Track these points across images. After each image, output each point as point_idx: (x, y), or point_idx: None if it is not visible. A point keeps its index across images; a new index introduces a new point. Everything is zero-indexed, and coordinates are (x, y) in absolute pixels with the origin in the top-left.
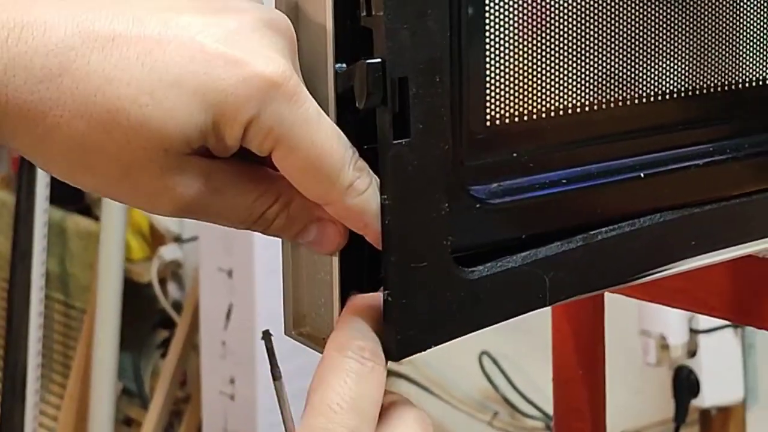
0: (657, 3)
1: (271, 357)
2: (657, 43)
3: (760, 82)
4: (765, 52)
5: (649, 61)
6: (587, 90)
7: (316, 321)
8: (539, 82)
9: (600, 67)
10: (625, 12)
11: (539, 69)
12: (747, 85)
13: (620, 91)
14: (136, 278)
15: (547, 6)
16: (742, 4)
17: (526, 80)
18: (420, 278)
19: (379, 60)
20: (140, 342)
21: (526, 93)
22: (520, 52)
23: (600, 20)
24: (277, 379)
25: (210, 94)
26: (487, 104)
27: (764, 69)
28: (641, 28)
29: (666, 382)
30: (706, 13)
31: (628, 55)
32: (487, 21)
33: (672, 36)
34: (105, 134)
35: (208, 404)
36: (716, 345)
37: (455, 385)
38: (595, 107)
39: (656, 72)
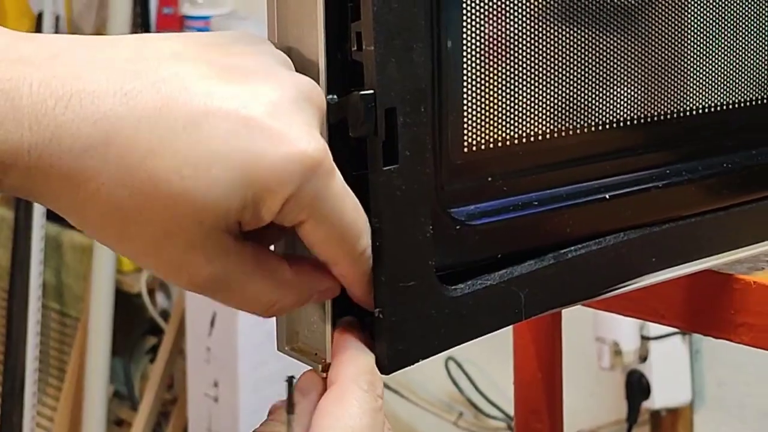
0: (619, 38)
1: (289, 396)
2: (621, 75)
3: (713, 109)
4: (717, 82)
5: (614, 91)
6: (557, 118)
7: (308, 337)
8: (512, 111)
9: (569, 97)
10: (590, 46)
11: (512, 99)
12: (701, 112)
13: (587, 119)
14: (126, 289)
15: (520, 41)
16: (694, 39)
17: (500, 109)
18: (408, 296)
19: (371, 91)
20: (130, 348)
21: (500, 121)
22: (495, 83)
23: (568, 54)
24: (290, 414)
25: (253, 170)
26: (465, 132)
27: (716, 97)
28: (607, 61)
29: (619, 385)
30: (663, 47)
31: (595, 86)
32: (465, 54)
33: (634, 68)
34: (145, 203)
35: (194, 406)
36: (666, 351)
37: (423, 389)
38: (564, 134)
39: (620, 101)
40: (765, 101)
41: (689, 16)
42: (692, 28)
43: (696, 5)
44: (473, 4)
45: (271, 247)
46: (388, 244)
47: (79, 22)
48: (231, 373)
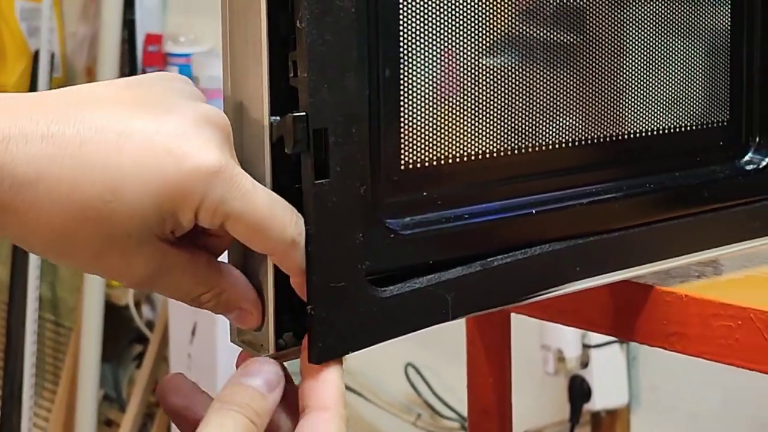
0: (548, 70)
1: None
2: (548, 103)
3: (637, 135)
4: (641, 111)
5: (542, 117)
6: (488, 140)
7: (254, 332)
8: (446, 133)
9: (499, 122)
10: (520, 76)
11: (446, 123)
12: (624, 137)
13: (516, 142)
14: (115, 301)
15: (454, 71)
16: (621, 71)
17: (435, 132)
18: (338, 296)
19: (303, 113)
20: (119, 355)
21: (435, 143)
22: (430, 109)
23: (498, 84)
24: None
25: (162, 188)
26: (402, 152)
27: (640, 125)
28: (535, 90)
29: (562, 389)
30: (589, 79)
31: (523, 112)
32: (401, 82)
33: (561, 97)
34: (78, 227)
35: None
36: (605, 357)
37: (385, 391)
38: (494, 155)
39: (548, 126)
40: (686, 129)
41: (618, 50)
42: (619, 61)
43: (625, 41)
44: (410, 38)
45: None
46: (319, 248)
47: (72, 59)
48: (210, 378)
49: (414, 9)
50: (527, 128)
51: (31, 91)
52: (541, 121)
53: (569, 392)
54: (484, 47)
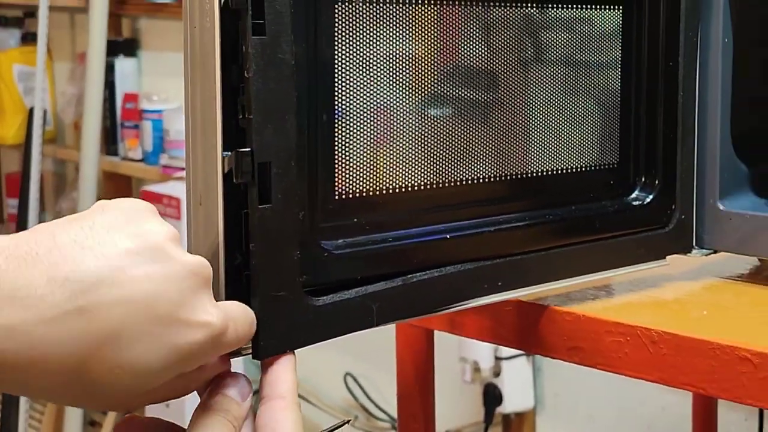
0: (466, 120)
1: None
2: (463, 145)
3: (537, 174)
4: (542, 155)
5: (457, 157)
6: (410, 176)
7: None
8: (374, 169)
9: (420, 161)
10: (441, 123)
11: (375, 160)
12: (529, 175)
13: (434, 177)
14: None
15: (382, 116)
16: (528, 120)
17: (364, 168)
18: (277, 304)
19: (249, 149)
20: None
21: (364, 177)
22: (361, 148)
23: (421, 128)
24: None
25: (174, 356)
26: (335, 185)
27: (540, 165)
28: (453, 134)
29: (478, 395)
30: (501, 126)
31: (441, 154)
32: (336, 125)
33: (475, 140)
34: (82, 393)
35: (150, 410)
36: (514, 368)
37: (327, 397)
38: (416, 188)
39: (461, 165)
40: (582, 170)
41: (524, 104)
42: (526, 113)
43: (531, 97)
44: (343, 88)
45: None
46: (261, 263)
47: (61, 114)
48: None
49: (347, 63)
50: (444, 166)
51: (27, 141)
52: (456, 161)
53: (484, 397)
54: (409, 98)
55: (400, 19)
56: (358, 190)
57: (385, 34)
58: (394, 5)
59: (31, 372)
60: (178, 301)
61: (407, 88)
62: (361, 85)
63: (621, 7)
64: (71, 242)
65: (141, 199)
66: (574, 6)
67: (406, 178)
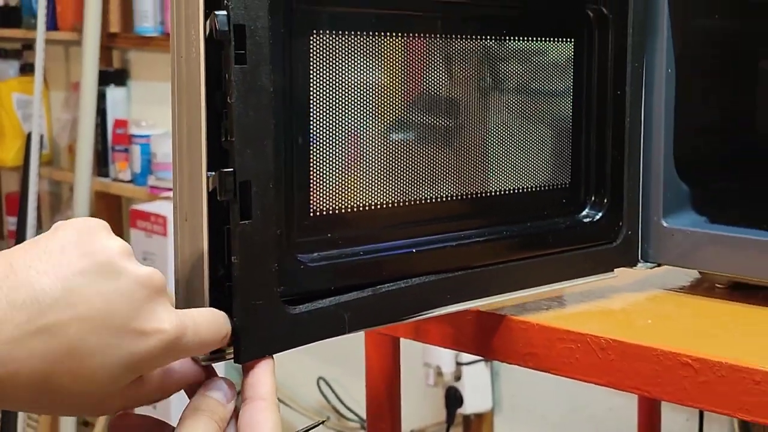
0: (428, 140)
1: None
2: (428, 167)
3: (495, 193)
4: (498, 175)
5: (422, 178)
6: (379, 195)
7: None
8: (346, 189)
9: (389, 181)
10: (408, 146)
11: (347, 180)
12: (487, 194)
13: (401, 197)
14: None
15: (354, 140)
16: (487, 144)
17: (337, 188)
18: (256, 311)
19: (231, 170)
20: None
21: (337, 196)
22: (334, 169)
23: (390, 151)
24: None
25: (131, 363)
26: (310, 203)
27: (498, 185)
28: (419, 156)
29: (440, 397)
30: (462, 149)
31: (408, 174)
32: (311, 148)
33: (438, 162)
34: (51, 402)
35: (138, 410)
36: (474, 372)
37: (301, 399)
38: (385, 206)
39: (426, 185)
40: (536, 189)
41: (483, 129)
42: (484, 137)
43: (488, 123)
44: (318, 114)
45: None
46: (242, 274)
47: (57, 139)
48: None
49: (321, 90)
50: (410, 186)
51: (25, 163)
52: (421, 181)
53: (446, 400)
54: (378, 123)
55: (370, 50)
56: (331, 208)
57: (355, 63)
58: (364, 37)
59: (1, 387)
60: (130, 312)
61: (376, 114)
62: (334, 111)
63: (572, 40)
64: (26, 267)
65: (130, 217)
66: (530, 39)
67: (375, 197)
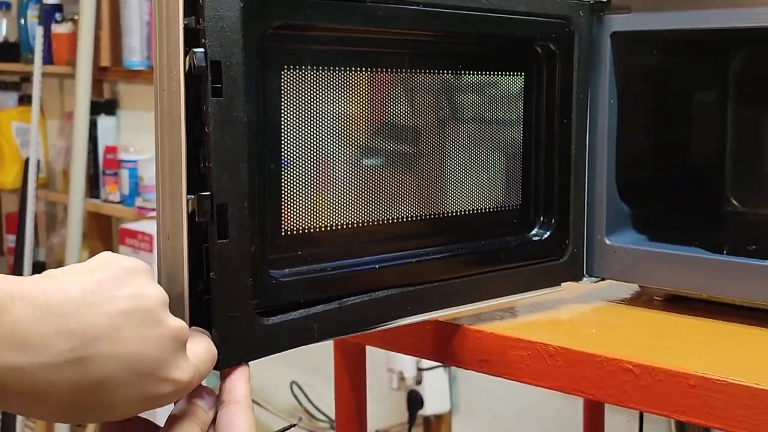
0: (391, 165)
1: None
2: (391, 189)
3: (452, 214)
4: (455, 197)
5: (385, 200)
6: (345, 216)
7: None
8: (315, 210)
9: (354, 203)
10: (372, 170)
11: (316, 202)
12: (445, 215)
13: (366, 217)
14: None
15: (322, 165)
16: (445, 169)
17: (307, 209)
18: (233, 322)
19: (209, 193)
20: None
21: (307, 217)
22: (304, 192)
23: (356, 175)
24: None
25: (149, 402)
26: (282, 223)
27: (454, 206)
28: (383, 180)
29: (403, 400)
30: (423, 173)
31: (372, 196)
32: (282, 173)
33: (400, 185)
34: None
35: None
36: (433, 377)
37: (276, 401)
38: (351, 226)
39: (389, 206)
40: (490, 210)
41: (442, 155)
42: (443, 163)
43: (447, 150)
44: (288, 141)
45: None
46: (219, 288)
47: (52, 164)
48: None
49: (291, 120)
50: (374, 208)
51: (23, 186)
52: (384, 203)
53: (408, 402)
54: (344, 150)
55: (337, 83)
56: (301, 228)
57: (324, 95)
58: (331, 72)
59: (31, 403)
60: (159, 360)
61: (343, 141)
62: (304, 139)
63: (523, 74)
64: (80, 297)
65: (120, 235)
66: (484, 73)
67: (342, 218)
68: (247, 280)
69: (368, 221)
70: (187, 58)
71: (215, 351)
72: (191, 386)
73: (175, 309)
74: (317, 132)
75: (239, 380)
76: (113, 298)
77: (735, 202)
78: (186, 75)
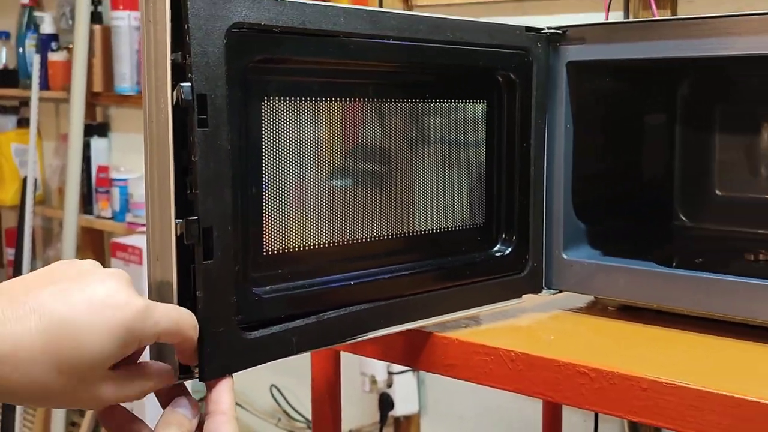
0: (364, 186)
1: None
2: (364, 210)
3: (420, 232)
4: (423, 217)
5: (359, 220)
6: (323, 236)
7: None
8: (294, 231)
9: (331, 224)
10: (347, 192)
11: (295, 223)
12: (414, 233)
13: (341, 237)
14: None
15: (301, 189)
16: (414, 190)
17: (286, 230)
18: (218, 337)
19: (196, 217)
20: None
21: (286, 238)
22: (284, 214)
23: (332, 198)
24: None
25: (118, 329)
26: (263, 244)
27: (422, 225)
28: (357, 201)
29: (374, 401)
30: (393, 194)
31: (347, 217)
32: (263, 197)
33: (372, 206)
34: (55, 377)
35: None
36: (403, 380)
37: (257, 403)
38: (327, 246)
39: (362, 226)
40: (455, 228)
41: (410, 176)
42: (411, 184)
43: (415, 171)
44: (269, 167)
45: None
46: (205, 306)
47: (49, 182)
48: None
49: (272, 147)
50: (349, 228)
51: (21, 203)
52: (358, 223)
53: (379, 403)
54: (321, 173)
55: (314, 112)
56: (281, 247)
57: (301, 123)
58: (309, 102)
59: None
60: (109, 291)
61: (320, 165)
62: (283, 164)
63: (485, 101)
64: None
65: (111, 248)
66: (449, 101)
67: (319, 237)
68: (231, 297)
69: (343, 240)
70: (175, 92)
71: (188, 312)
72: (154, 314)
73: None
74: (296, 157)
75: (224, 392)
76: (62, 272)
77: (683, 218)
78: (173, 107)
